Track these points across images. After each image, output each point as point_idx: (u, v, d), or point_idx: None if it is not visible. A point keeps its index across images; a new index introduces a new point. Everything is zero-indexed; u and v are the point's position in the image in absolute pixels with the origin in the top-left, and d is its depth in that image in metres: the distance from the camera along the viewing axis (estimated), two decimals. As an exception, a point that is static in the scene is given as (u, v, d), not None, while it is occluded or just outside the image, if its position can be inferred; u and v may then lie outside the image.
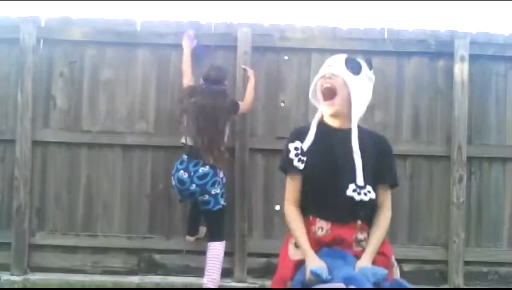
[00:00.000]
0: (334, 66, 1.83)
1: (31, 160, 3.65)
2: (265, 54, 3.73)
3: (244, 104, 3.44)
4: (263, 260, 3.66)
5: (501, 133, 3.71)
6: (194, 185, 3.16)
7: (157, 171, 3.70)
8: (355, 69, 1.81)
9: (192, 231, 3.58)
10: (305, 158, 1.82)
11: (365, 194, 1.74)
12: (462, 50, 3.64)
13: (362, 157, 1.77)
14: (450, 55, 3.67)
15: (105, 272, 3.64)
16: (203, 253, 3.64)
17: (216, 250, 3.25)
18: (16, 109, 3.66)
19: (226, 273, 3.59)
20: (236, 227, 3.62)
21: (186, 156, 3.22)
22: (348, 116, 1.83)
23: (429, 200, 3.68)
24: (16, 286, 3.46)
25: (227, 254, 3.61)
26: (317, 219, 1.82)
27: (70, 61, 3.73)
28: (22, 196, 3.62)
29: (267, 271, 3.63)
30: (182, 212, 3.68)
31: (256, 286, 3.55)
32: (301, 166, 1.82)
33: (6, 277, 3.53)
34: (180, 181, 3.18)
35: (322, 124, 1.88)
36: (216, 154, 3.16)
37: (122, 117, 3.72)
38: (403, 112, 3.71)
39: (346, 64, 1.81)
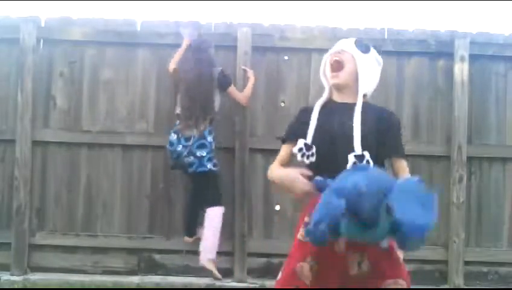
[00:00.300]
0: (343, 44, 1.91)
1: (31, 160, 3.65)
2: (265, 54, 3.73)
3: (243, 95, 3.51)
4: (263, 260, 3.66)
5: (501, 133, 3.71)
6: (180, 146, 3.31)
7: (157, 171, 3.70)
8: (364, 48, 1.89)
9: (190, 231, 3.58)
10: (310, 152, 1.83)
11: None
12: (462, 50, 3.64)
13: (364, 128, 1.77)
14: (450, 55, 3.67)
15: (105, 272, 3.64)
16: (203, 253, 3.65)
17: (211, 217, 3.34)
18: (16, 109, 3.66)
19: (226, 273, 3.59)
20: (236, 227, 3.62)
21: (178, 122, 3.40)
22: (353, 91, 1.86)
23: (429, 200, 3.67)
24: (16, 286, 3.46)
25: (227, 253, 3.62)
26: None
27: (70, 61, 3.73)
28: (22, 196, 3.62)
29: (267, 271, 3.63)
30: (182, 212, 3.68)
31: (256, 286, 3.55)
32: (306, 161, 1.83)
33: (6, 277, 3.53)
34: (170, 143, 3.37)
35: (327, 101, 1.92)
36: (186, 123, 3.32)
37: (122, 117, 3.72)
38: (403, 112, 3.71)
39: (355, 43, 1.90)
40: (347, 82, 1.86)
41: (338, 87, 1.88)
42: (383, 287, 1.70)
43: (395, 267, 1.76)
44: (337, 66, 1.86)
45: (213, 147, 3.37)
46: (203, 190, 3.38)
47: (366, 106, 1.83)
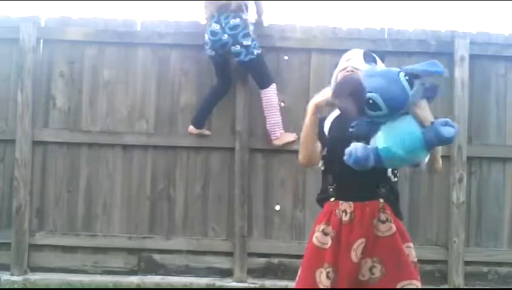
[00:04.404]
0: (354, 60, 1.96)
1: (31, 160, 3.65)
2: (265, 54, 3.72)
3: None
4: (263, 260, 3.66)
5: (501, 133, 3.71)
6: (226, 36, 3.38)
7: (157, 171, 3.70)
8: (372, 63, 1.95)
9: (198, 121, 3.59)
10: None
11: (395, 175, 1.84)
12: (462, 50, 3.64)
13: None
14: (450, 55, 3.67)
15: (105, 272, 3.64)
16: (203, 253, 3.66)
17: (267, 97, 3.50)
18: (16, 109, 3.66)
19: (226, 273, 3.60)
20: (236, 227, 3.62)
21: (216, 13, 3.46)
22: None
23: (429, 200, 3.68)
24: (15, 286, 3.46)
25: (227, 254, 3.62)
26: (340, 202, 1.84)
27: (70, 61, 3.73)
28: (22, 196, 3.62)
29: (267, 271, 3.63)
30: (182, 212, 3.69)
31: (256, 286, 3.55)
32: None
33: (6, 277, 3.53)
34: (213, 32, 3.40)
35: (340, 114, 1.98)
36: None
37: (122, 117, 3.72)
38: (403, 112, 3.71)
39: (364, 58, 1.95)
40: None
41: None
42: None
43: (407, 269, 1.82)
44: None
45: (250, 28, 3.48)
46: (253, 72, 3.54)
47: None
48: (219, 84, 3.60)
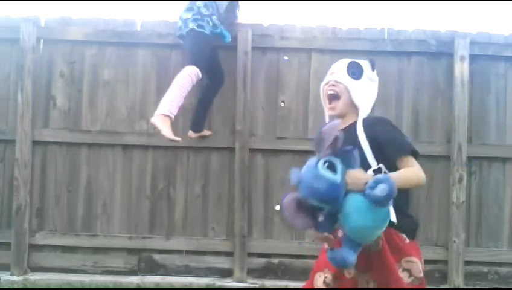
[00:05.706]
0: (337, 73, 1.97)
1: (31, 160, 3.65)
2: (265, 54, 3.73)
3: None
4: (263, 260, 3.66)
5: (501, 133, 3.71)
6: (179, 21, 3.34)
7: (157, 171, 3.70)
8: (357, 75, 1.94)
9: (196, 125, 3.56)
10: None
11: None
12: (462, 50, 3.64)
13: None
14: (450, 55, 3.67)
15: (105, 272, 3.64)
16: (203, 253, 3.65)
17: (181, 75, 3.02)
18: (16, 109, 3.65)
19: (226, 273, 3.60)
20: (236, 227, 3.62)
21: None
22: (352, 115, 1.95)
23: (429, 200, 3.68)
24: (15, 286, 3.46)
25: (227, 254, 3.62)
26: None
27: (70, 61, 3.73)
28: (22, 196, 3.62)
29: (267, 271, 3.63)
30: (182, 212, 3.69)
31: (256, 286, 3.55)
32: None
33: (6, 277, 3.53)
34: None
35: None
36: None
37: (122, 117, 3.72)
38: (403, 112, 3.71)
39: (348, 70, 1.94)
40: (344, 112, 1.95)
41: (337, 117, 1.96)
42: None
43: (400, 284, 1.78)
44: (333, 99, 1.96)
45: (203, 11, 3.30)
46: (187, 50, 3.26)
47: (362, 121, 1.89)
48: (209, 81, 3.54)
